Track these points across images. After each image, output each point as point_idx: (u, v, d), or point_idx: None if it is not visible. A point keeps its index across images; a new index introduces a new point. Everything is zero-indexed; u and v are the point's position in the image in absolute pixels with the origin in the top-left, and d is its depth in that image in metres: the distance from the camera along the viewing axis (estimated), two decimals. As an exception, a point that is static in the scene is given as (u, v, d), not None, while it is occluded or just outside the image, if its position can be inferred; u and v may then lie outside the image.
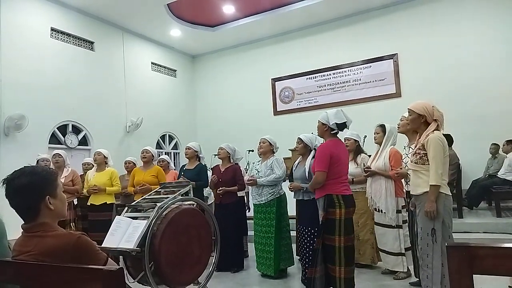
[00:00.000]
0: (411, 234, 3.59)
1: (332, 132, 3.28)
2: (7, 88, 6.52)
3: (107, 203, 4.94)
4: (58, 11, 7.60)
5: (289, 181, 4.49)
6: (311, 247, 3.81)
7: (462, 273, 0.98)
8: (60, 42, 7.66)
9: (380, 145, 4.08)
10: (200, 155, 4.99)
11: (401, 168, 3.72)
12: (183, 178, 4.55)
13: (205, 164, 5.60)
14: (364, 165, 4.27)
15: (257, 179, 4.33)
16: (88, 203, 4.99)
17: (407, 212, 3.81)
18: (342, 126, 3.27)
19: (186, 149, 5.00)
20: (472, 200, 6.75)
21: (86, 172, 5.47)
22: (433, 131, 2.86)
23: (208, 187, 5.08)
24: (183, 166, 5.09)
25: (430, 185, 2.79)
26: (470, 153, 7.22)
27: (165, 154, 9.93)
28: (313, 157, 3.91)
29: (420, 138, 2.97)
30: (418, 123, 2.97)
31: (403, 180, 3.85)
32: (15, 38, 6.76)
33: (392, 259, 3.98)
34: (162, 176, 5.01)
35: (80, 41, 8.11)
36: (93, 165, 5.48)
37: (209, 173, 5.34)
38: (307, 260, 3.85)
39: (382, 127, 4.09)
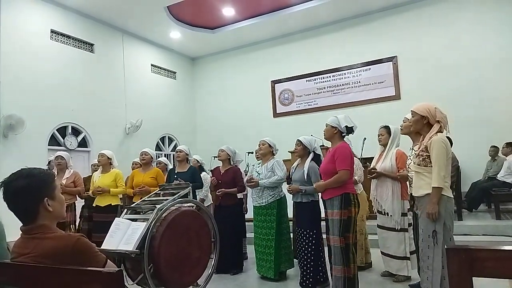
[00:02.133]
0: (415, 237, 3.58)
1: (341, 135, 3.41)
2: (7, 89, 6.52)
3: (112, 204, 4.92)
4: (58, 13, 7.62)
5: (287, 184, 4.50)
6: (309, 249, 3.82)
7: (462, 275, 0.98)
8: (60, 44, 7.67)
9: (385, 147, 4.04)
10: (189, 158, 5.00)
11: (403, 170, 3.72)
12: (179, 180, 4.54)
13: (200, 165, 5.61)
14: (356, 168, 4.28)
15: (259, 181, 4.32)
16: (94, 205, 4.98)
17: (412, 215, 3.79)
18: (350, 130, 3.40)
19: (177, 152, 4.99)
20: (472, 202, 6.75)
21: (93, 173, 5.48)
22: (436, 133, 2.86)
23: (203, 189, 5.08)
24: (172, 169, 5.07)
25: (433, 187, 2.79)
26: (470, 155, 7.23)
27: (165, 156, 9.93)
28: (312, 159, 3.93)
29: (423, 140, 2.97)
30: (420, 124, 2.97)
31: (408, 182, 3.82)
32: (15, 40, 6.77)
33: (397, 263, 3.93)
34: (161, 178, 5.00)
35: (80, 43, 8.12)
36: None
37: (205, 174, 5.34)
38: (305, 262, 3.85)
39: (387, 128, 4.04)
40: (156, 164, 5.65)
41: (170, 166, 5.89)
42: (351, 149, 3.54)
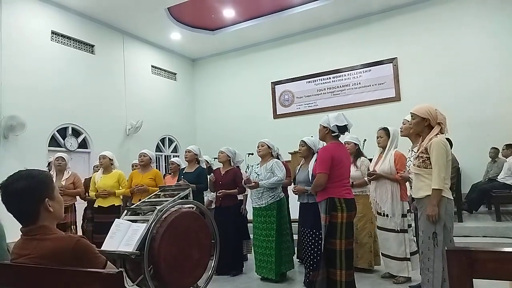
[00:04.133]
0: (417, 238, 3.57)
1: (333, 135, 3.30)
2: (8, 91, 6.52)
3: (115, 205, 4.94)
4: (59, 14, 7.63)
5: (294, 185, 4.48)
6: (315, 249, 3.81)
7: (462, 277, 0.98)
8: (61, 45, 7.68)
9: (384, 149, 4.04)
10: (199, 159, 4.99)
11: (404, 172, 3.71)
12: (183, 181, 4.55)
13: (210, 166, 5.58)
14: (367, 169, 4.25)
15: (259, 182, 4.32)
16: (96, 205, 4.98)
17: (412, 216, 3.79)
18: (343, 129, 3.29)
19: (186, 152, 4.99)
20: (472, 204, 6.75)
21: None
22: (436, 134, 2.86)
23: (209, 190, 5.09)
24: (182, 169, 5.09)
25: (433, 188, 2.78)
26: (470, 157, 7.23)
27: (164, 157, 9.95)
28: (316, 160, 3.92)
29: (423, 141, 2.96)
30: (421, 126, 2.96)
31: (407, 184, 3.82)
32: (15, 41, 6.78)
33: (396, 264, 3.92)
34: (160, 179, 5.01)
35: (81, 44, 8.13)
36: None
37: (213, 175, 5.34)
38: (311, 262, 3.84)
39: (386, 130, 4.04)
40: (169, 165, 5.66)
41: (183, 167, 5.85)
42: (345, 150, 3.45)
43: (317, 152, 3.98)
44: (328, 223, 3.16)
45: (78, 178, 5.18)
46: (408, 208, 3.89)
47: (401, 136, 3.86)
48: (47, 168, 5.34)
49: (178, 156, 10.38)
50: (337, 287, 3.16)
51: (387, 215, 3.90)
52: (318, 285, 3.23)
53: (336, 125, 3.24)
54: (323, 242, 3.22)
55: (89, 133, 8.01)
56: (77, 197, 5.16)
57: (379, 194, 3.96)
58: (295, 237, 4.53)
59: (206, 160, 5.61)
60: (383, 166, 3.93)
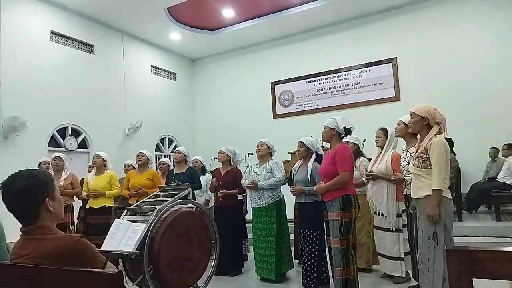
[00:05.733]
0: (410, 238, 3.58)
1: (340, 136, 3.42)
2: (7, 91, 6.52)
3: (106, 206, 4.89)
4: (58, 14, 7.63)
5: (289, 185, 4.49)
6: (313, 249, 3.82)
7: (462, 277, 0.98)
8: (60, 45, 7.68)
9: (382, 149, 4.05)
10: (188, 159, 5.00)
11: (396, 175, 3.72)
12: (176, 182, 4.53)
13: (203, 166, 5.62)
14: (364, 169, 4.26)
15: (258, 183, 4.31)
16: (87, 206, 4.96)
17: (407, 216, 3.79)
18: (348, 131, 3.42)
19: (176, 153, 4.99)
20: (472, 203, 6.75)
21: None
22: (435, 134, 2.86)
23: (209, 190, 5.09)
24: (171, 170, 5.08)
25: (433, 189, 2.78)
26: (470, 156, 7.24)
27: (165, 157, 9.92)
28: (315, 159, 3.93)
29: (422, 141, 2.96)
30: (420, 126, 2.96)
31: (403, 184, 3.83)
32: (15, 41, 6.78)
33: (391, 264, 3.95)
34: (158, 180, 4.99)
35: (80, 44, 8.13)
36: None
37: (209, 176, 5.35)
38: (308, 263, 3.85)
39: (384, 130, 4.05)
40: (159, 165, 5.67)
41: (172, 167, 5.89)
42: (351, 151, 3.55)
43: (316, 152, 3.99)
44: (347, 220, 3.23)
45: (76, 179, 5.17)
46: (404, 208, 3.89)
47: (395, 136, 3.88)
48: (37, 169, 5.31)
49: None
50: (352, 281, 3.24)
51: (382, 215, 3.93)
52: (336, 283, 3.31)
53: (344, 126, 3.36)
54: (339, 240, 3.23)
55: (89, 133, 8.01)
56: (75, 197, 5.16)
57: (375, 194, 3.99)
58: (292, 236, 4.53)
59: (200, 160, 5.63)
60: (380, 166, 3.95)
